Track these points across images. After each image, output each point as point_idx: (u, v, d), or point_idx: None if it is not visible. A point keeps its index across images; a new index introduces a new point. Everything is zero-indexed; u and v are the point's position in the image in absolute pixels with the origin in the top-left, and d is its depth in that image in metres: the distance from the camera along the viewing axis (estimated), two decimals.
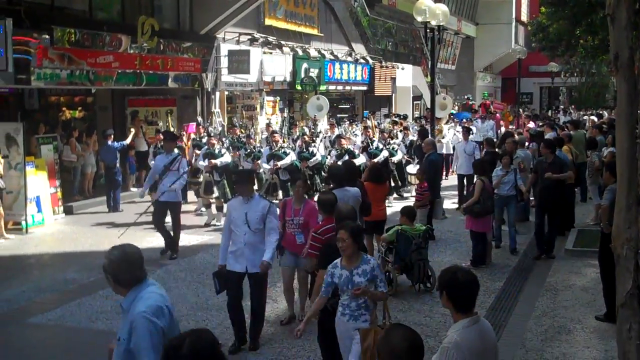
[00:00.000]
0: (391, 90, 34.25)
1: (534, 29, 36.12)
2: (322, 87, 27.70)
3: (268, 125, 21.83)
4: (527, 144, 18.14)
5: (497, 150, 16.33)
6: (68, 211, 17.12)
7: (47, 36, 15.46)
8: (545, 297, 10.39)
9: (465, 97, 39.39)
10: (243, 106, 24.40)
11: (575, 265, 12.02)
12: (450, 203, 17.54)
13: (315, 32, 28.23)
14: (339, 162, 14.22)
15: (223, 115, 22.48)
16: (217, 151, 15.81)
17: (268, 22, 24.64)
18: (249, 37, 23.06)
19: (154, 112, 21.54)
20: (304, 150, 16.82)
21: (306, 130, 20.15)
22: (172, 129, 18.79)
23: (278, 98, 26.08)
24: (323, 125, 23.26)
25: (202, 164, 15.58)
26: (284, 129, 22.39)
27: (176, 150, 13.95)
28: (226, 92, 22.98)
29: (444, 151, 22.53)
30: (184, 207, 14.33)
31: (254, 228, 8.06)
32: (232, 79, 22.19)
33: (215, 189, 15.61)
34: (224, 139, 17.83)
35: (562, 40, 29.07)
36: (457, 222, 15.13)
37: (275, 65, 24.41)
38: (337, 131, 21.46)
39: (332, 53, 28.44)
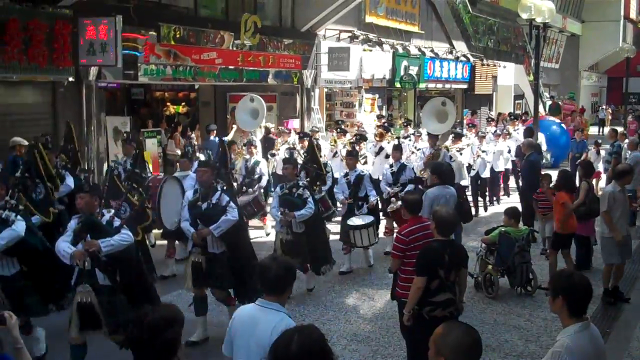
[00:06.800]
0: (492, 89, 33.68)
1: None
2: (422, 85, 27.49)
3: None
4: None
5: None
6: None
7: (154, 33, 15.88)
8: None
9: (566, 96, 37.93)
10: (342, 103, 24.49)
11: None
12: None
13: (415, 29, 27.98)
14: None
15: (322, 113, 22.57)
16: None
17: (369, 19, 24.59)
18: (350, 34, 23.06)
19: None
20: None
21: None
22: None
23: (377, 95, 26.03)
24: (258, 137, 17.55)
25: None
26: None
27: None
28: (325, 89, 23.09)
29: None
30: None
31: None
32: (332, 76, 22.25)
33: None
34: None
35: None
36: None
37: (375, 62, 24.34)
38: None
39: (432, 50, 28.14)
